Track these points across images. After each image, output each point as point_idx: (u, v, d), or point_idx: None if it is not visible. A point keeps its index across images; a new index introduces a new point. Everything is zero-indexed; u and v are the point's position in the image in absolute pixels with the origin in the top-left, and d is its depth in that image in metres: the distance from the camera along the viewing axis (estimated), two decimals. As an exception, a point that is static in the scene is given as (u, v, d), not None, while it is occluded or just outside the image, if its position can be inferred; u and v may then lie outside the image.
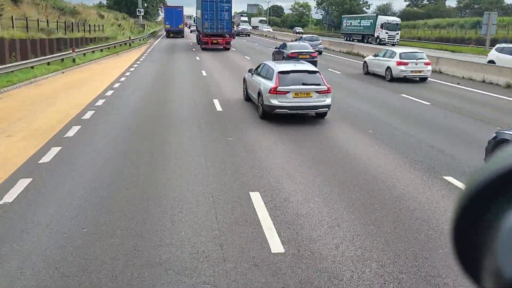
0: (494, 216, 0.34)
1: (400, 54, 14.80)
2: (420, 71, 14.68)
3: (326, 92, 8.12)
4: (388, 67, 14.90)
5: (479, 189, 0.34)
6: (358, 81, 15.09)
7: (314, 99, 8.07)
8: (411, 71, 14.57)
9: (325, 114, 8.55)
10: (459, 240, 0.36)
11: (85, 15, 33.90)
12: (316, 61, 17.29)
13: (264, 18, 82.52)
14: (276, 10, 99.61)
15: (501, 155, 0.34)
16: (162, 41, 38.80)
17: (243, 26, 58.04)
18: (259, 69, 9.36)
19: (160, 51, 26.71)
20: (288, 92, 7.94)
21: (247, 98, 10.21)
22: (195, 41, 33.90)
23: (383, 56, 15.58)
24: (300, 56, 16.41)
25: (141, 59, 20.93)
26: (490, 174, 0.33)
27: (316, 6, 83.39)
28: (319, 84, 8.15)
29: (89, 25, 28.65)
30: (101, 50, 23.36)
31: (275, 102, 7.99)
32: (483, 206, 0.34)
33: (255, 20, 79.46)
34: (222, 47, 26.95)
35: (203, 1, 26.44)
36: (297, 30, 60.17)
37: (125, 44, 29.39)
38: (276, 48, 19.87)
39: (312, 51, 17.91)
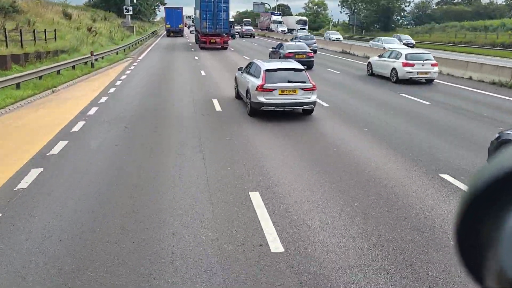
0: (496, 216, 0.39)
1: (406, 55, 16.16)
2: (426, 73, 15.98)
3: (311, 89, 9.52)
4: (394, 68, 16.23)
5: (481, 189, 0.39)
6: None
7: (300, 96, 9.46)
8: (418, 73, 15.87)
9: (311, 110, 9.91)
10: (462, 240, 0.42)
11: (34, 13, 24.85)
12: (313, 60, 19.92)
13: (304, 18, 67.98)
14: (282, 10, 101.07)
15: (504, 155, 0.39)
16: (157, 46, 35.39)
17: (244, 28, 56.78)
18: (248, 68, 10.92)
19: (143, 75, 17.45)
20: (274, 89, 9.32)
21: (238, 96, 11.76)
22: (194, 40, 38.37)
23: (388, 57, 16.98)
24: (296, 56, 18.21)
25: (91, 111, 10.23)
26: (492, 175, 0.38)
27: (339, 4, 78.99)
28: (304, 82, 9.55)
29: (20, 31, 17.66)
30: (17, 86, 12.39)
31: (262, 99, 9.35)
32: (485, 206, 0.39)
33: (290, 20, 65.58)
34: (220, 46, 30.99)
35: (202, 2, 30.47)
36: (383, 43, 40.12)
37: (85, 63, 18.73)
38: (272, 48, 22.51)
39: (309, 50, 20.22)
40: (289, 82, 9.51)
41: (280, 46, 20.70)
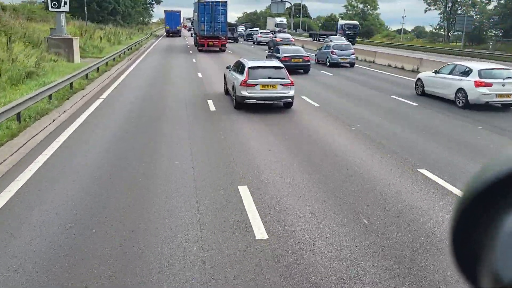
0: (493, 220, 0.45)
1: (480, 71, 14.82)
2: (508, 95, 14.57)
3: (290, 85, 13.32)
4: (461, 89, 14.95)
5: (478, 192, 0.46)
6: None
7: (279, 90, 13.27)
8: (497, 95, 14.47)
9: (290, 104, 13.75)
10: (458, 242, 0.50)
11: None
12: (309, 64, 24.26)
13: None
14: (299, 10, 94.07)
15: (501, 159, 0.46)
16: (139, 66, 26.73)
17: (279, 36, 45.13)
18: (235, 66, 14.78)
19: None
20: (256, 84, 13.04)
21: (226, 92, 15.95)
22: (193, 43, 46.67)
23: (451, 73, 15.83)
24: (292, 60, 23.24)
25: None
26: (489, 178, 0.45)
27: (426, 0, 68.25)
28: (283, 78, 13.36)
29: None
30: None
31: (245, 93, 13.07)
32: (482, 209, 0.47)
33: None
34: (218, 48, 38.42)
35: (200, 5, 38.04)
36: None
37: None
38: (269, 52, 27.87)
39: (306, 54, 24.58)
40: (269, 78, 13.30)
41: (277, 50, 25.11)
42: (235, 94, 13.44)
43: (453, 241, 0.51)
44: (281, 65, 14.00)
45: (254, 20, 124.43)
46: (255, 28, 73.48)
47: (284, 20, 76.11)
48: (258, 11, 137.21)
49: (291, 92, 13.33)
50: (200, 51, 38.16)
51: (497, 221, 0.46)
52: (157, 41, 58.01)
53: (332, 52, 28.26)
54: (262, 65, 13.79)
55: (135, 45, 40.30)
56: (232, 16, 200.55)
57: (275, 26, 70.75)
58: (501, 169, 0.45)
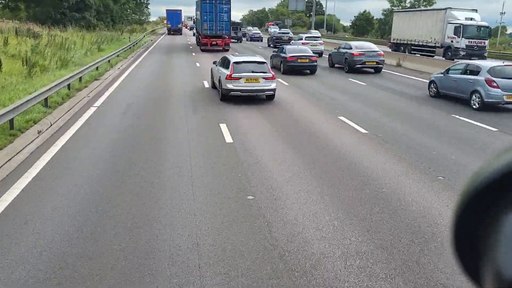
0: (495, 217, 0.54)
1: None
2: None
3: (271, 78, 16.67)
4: None
5: (480, 189, 0.55)
6: None
7: (262, 84, 16.53)
8: None
9: (273, 96, 17.09)
10: (459, 239, 0.59)
11: None
12: (316, 65, 26.01)
13: None
14: (316, 10, 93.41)
15: (503, 156, 0.54)
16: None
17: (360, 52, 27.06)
18: (221, 61, 18.30)
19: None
20: (240, 78, 16.29)
21: (213, 86, 19.48)
22: (195, 42, 50.68)
23: None
24: (299, 60, 25.65)
25: None
26: (491, 175, 0.53)
27: None
28: (265, 72, 16.65)
29: None
30: None
31: (230, 86, 16.37)
32: (484, 206, 0.55)
33: None
34: (221, 48, 41.32)
35: (203, 3, 41.39)
36: None
37: None
38: (274, 52, 30.05)
39: (312, 54, 26.65)
40: (253, 72, 16.57)
41: (282, 50, 27.27)
42: (221, 87, 16.58)
43: (455, 240, 0.58)
44: (264, 60, 17.45)
45: (262, 18, 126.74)
46: (288, 31, 57.56)
47: (477, 17, 36.21)
48: (267, 9, 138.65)
49: (273, 85, 16.57)
50: (202, 51, 41.67)
51: (499, 219, 0.53)
52: (156, 42, 60.72)
53: (489, 81, 15.80)
54: (246, 60, 17.02)
55: (97, 68, 24.04)
56: (237, 15, 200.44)
57: (459, 31, 33.11)
58: (503, 167, 0.51)
